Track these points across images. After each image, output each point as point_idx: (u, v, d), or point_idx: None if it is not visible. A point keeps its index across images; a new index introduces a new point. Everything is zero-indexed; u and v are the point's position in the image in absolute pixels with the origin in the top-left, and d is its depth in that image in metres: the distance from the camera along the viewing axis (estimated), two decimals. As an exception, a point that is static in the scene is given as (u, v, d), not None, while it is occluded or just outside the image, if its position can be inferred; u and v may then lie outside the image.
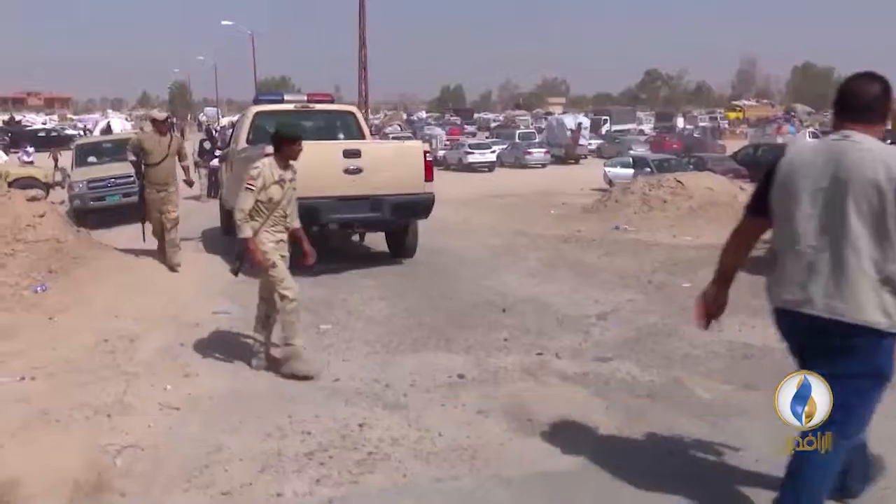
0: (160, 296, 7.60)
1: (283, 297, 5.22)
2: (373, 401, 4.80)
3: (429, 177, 8.66)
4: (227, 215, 10.26)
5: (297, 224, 5.57)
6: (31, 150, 25.98)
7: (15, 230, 8.10)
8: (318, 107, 10.64)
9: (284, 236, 5.42)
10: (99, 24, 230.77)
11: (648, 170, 23.29)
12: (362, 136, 10.43)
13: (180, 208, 9.37)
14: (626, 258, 9.25)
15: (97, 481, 3.71)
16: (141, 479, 3.77)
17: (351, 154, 8.35)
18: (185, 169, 9.68)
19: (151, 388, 5.10)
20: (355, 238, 10.47)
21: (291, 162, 5.42)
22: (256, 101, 11.13)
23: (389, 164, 8.63)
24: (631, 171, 24.69)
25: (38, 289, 7.53)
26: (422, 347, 5.90)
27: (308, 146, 8.63)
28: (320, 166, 7.93)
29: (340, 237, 9.75)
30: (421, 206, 8.71)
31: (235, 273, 5.63)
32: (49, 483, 3.65)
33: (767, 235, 3.08)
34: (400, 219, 8.90)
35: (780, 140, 32.98)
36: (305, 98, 10.92)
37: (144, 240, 9.36)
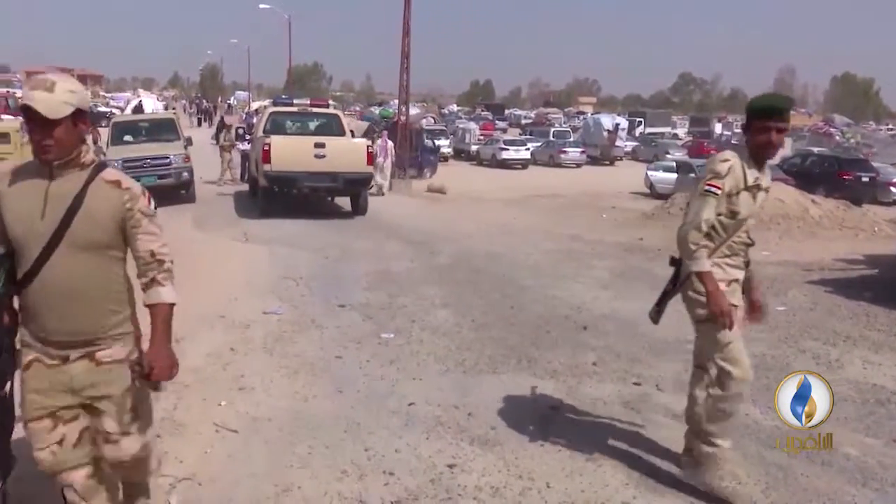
0: (204, 290, 6.99)
1: (721, 373, 3.31)
2: (457, 433, 4.17)
3: (370, 162, 13.10)
4: (253, 181, 14.65)
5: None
6: None
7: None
8: (315, 109, 15.07)
9: (741, 275, 3.45)
10: (135, 2, 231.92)
11: (693, 175, 22.48)
12: (342, 131, 14.04)
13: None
14: (701, 273, 8.50)
15: (150, 526, 3.12)
16: (201, 525, 3.18)
17: (319, 145, 12.63)
18: (149, 282, 2.46)
19: (204, 402, 4.53)
20: (329, 199, 14.61)
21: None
22: (275, 103, 15.80)
23: (344, 153, 12.81)
24: (674, 175, 23.91)
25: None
26: (501, 367, 5.26)
27: (290, 140, 13.03)
28: (300, 152, 12.41)
29: (316, 200, 14.02)
30: (363, 180, 13.24)
31: (655, 320, 3.72)
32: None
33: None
34: (350, 187, 13.20)
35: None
36: (308, 102, 15.91)
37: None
